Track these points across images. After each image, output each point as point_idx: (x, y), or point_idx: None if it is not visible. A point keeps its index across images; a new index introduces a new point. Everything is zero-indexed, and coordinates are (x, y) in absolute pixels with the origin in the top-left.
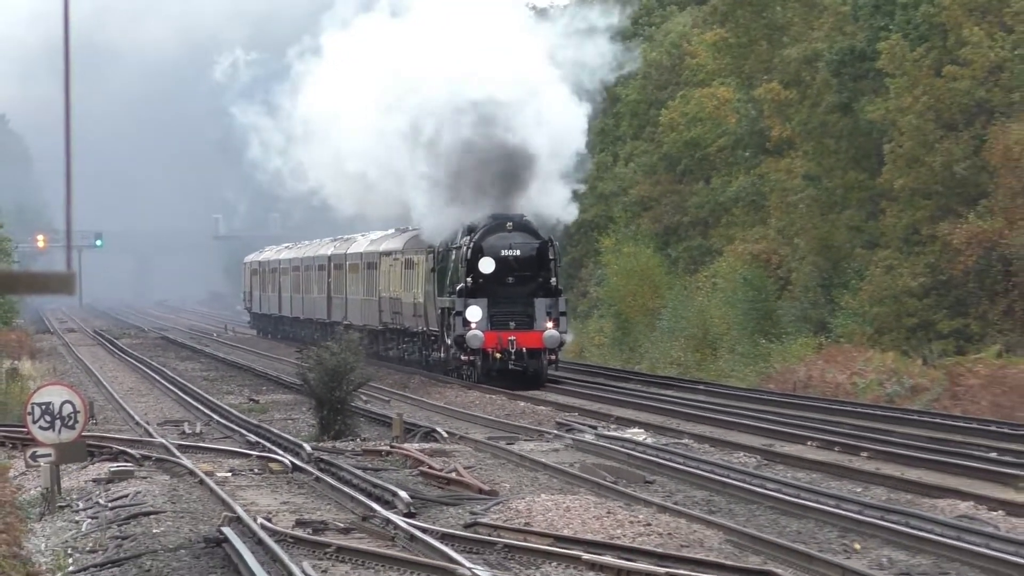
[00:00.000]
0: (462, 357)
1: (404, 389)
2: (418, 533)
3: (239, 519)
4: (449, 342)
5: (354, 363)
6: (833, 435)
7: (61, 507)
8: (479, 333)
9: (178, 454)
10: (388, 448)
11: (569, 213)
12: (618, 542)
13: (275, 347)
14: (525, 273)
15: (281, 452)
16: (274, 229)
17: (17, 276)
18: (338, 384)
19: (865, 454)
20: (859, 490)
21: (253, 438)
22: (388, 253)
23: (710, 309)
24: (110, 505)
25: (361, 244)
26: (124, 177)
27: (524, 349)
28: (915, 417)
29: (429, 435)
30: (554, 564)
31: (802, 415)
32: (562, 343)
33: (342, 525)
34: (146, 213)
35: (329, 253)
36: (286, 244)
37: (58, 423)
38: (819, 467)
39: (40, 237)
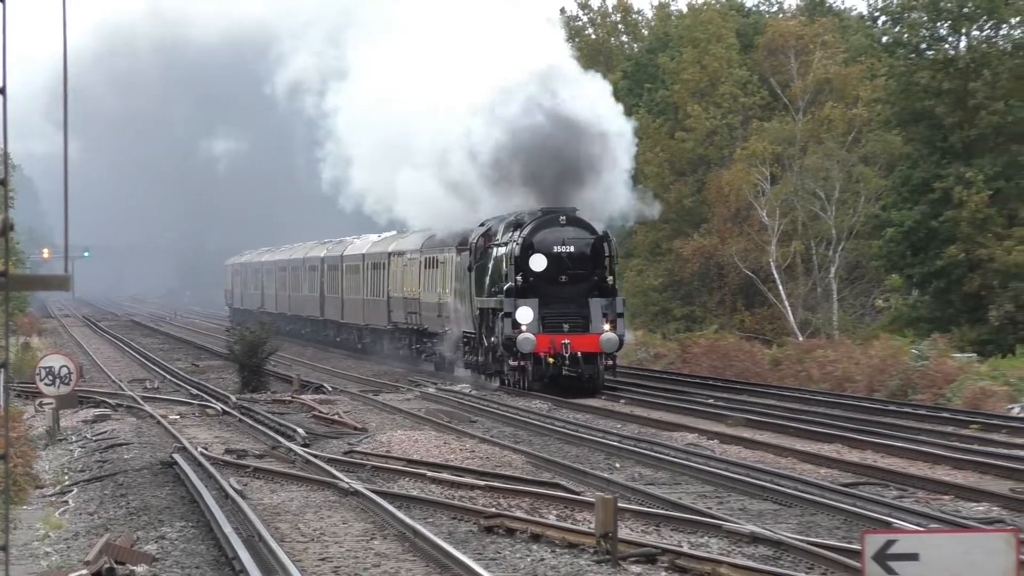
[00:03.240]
0: (511, 363)
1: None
2: (311, 458)
3: (185, 448)
4: (487, 344)
5: (267, 338)
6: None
7: (59, 440)
8: (531, 336)
9: (142, 403)
10: (290, 398)
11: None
12: (451, 463)
13: (212, 328)
14: (579, 271)
15: (214, 401)
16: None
17: (30, 277)
18: (255, 353)
19: (623, 400)
20: (619, 426)
21: (195, 391)
22: (400, 253)
23: None
24: (94, 438)
25: (360, 246)
26: (106, 204)
27: (579, 353)
28: (657, 374)
29: (319, 389)
30: (407, 479)
31: None
32: (620, 346)
33: (257, 452)
34: (120, 231)
35: (322, 255)
36: (266, 248)
37: (58, 381)
38: (591, 410)
39: (45, 250)
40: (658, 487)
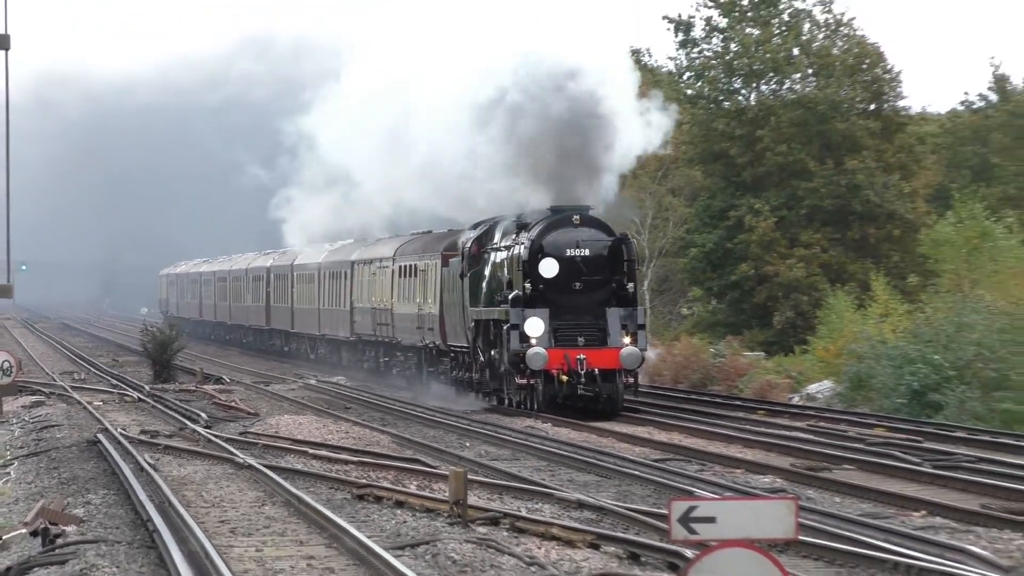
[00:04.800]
0: (518, 380)
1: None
2: (212, 438)
3: (106, 429)
4: (485, 359)
5: (175, 337)
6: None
7: (2, 423)
8: (541, 351)
9: (71, 391)
10: (194, 388)
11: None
12: (330, 442)
13: (129, 330)
14: (595, 277)
15: (131, 390)
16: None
17: None
18: (165, 350)
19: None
20: (472, 411)
21: (115, 382)
22: (368, 261)
23: None
24: (31, 421)
25: (313, 255)
26: (39, 226)
27: (596, 370)
28: None
29: (219, 380)
30: (292, 455)
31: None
32: (642, 362)
33: (167, 432)
34: (50, 250)
35: (268, 264)
36: (202, 259)
37: (0, 373)
38: (448, 399)
39: None
40: (501, 462)
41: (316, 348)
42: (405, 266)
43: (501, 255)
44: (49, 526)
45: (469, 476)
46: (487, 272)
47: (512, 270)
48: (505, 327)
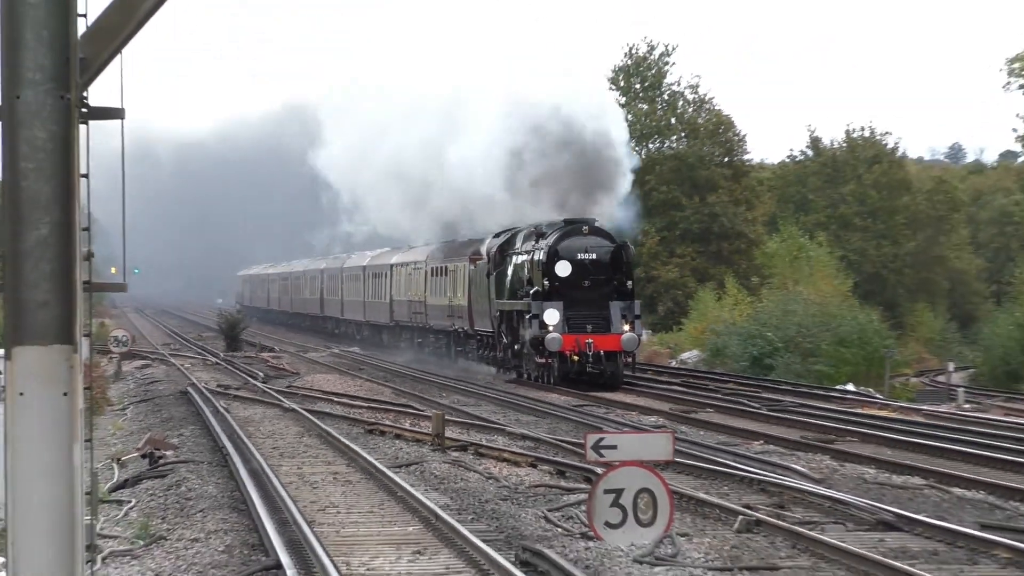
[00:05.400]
0: (538, 360)
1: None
2: (267, 389)
3: (193, 383)
4: (507, 341)
5: (241, 320)
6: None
7: (121, 378)
8: (558, 336)
9: (168, 357)
10: (255, 355)
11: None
12: (349, 393)
13: (210, 315)
14: (600, 276)
15: (211, 356)
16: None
17: (103, 283)
18: (234, 328)
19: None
20: (448, 374)
21: (199, 350)
22: (403, 264)
23: None
24: (141, 377)
25: (358, 260)
26: (149, 239)
27: (601, 352)
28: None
29: (271, 350)
30: (323, 402)
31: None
32: (638, 345)
33: (236, 386)
34: (156, 256)
35: (322, 267)
36: (268, 263)
37: (120, 344)
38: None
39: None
40: (468, 407)
41: (361, 331)
42: (436, 267)
43: (522, 258)
44: (154, 451)
45: (446, 417)
46: (510, 271)
47: (533, 270)
48: (527, 316)
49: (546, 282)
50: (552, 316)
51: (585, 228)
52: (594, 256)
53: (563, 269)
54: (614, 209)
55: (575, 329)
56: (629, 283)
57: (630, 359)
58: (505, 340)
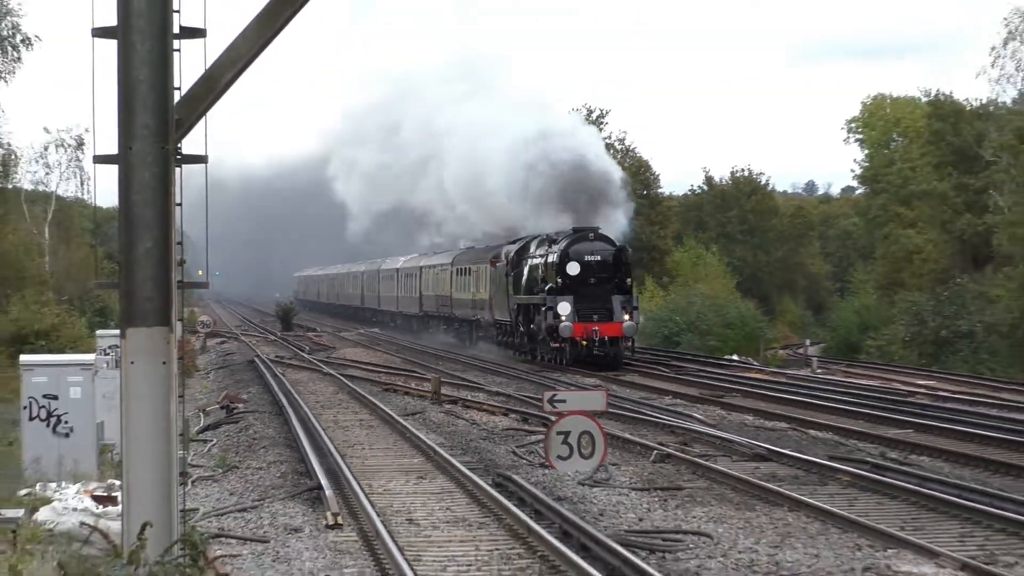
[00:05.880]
0: (552, 345)
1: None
2: (311, 359)
3: (258, 355)
4: (524, 330)
5: (293, 308)
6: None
7: (205, 351)
8: (569, 324)
9: (240, 335)
10: (302, 334)
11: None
12: (371, 362)
13: (271, 306)
14: (604, 275)
15: (271, 334)
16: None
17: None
18: (287, 314)
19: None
20: (470, 353)
21: (262, 330)
22: (432, 266)
23: None
24: (220, 350)
25: (393, 263)
26: (224, 251)
27: (606, 338)
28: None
29: (314, 330)
30: (352, 368)
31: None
32: (637, 331)
33: (288, 356)
34: (231, 261)
35: (362, 269)
36: (318, 267)
37: (205, 326)
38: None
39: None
40: (459, 373)
41: (395, 319)
42: (461, 268)
43: (537, 260)
44: (230, 404)
45: (441, 379)
46: (526, 271)
47: (547, 270)
48: (543, 308)
49: (559, 279)
50: (564, 308)
51: (591, 234)
52: (599, 258)
53: (573, 268)
54: (616, 219)
55: (583, 319)
56: (628, 280)
57: (630, 343)
58: (522, 328)
